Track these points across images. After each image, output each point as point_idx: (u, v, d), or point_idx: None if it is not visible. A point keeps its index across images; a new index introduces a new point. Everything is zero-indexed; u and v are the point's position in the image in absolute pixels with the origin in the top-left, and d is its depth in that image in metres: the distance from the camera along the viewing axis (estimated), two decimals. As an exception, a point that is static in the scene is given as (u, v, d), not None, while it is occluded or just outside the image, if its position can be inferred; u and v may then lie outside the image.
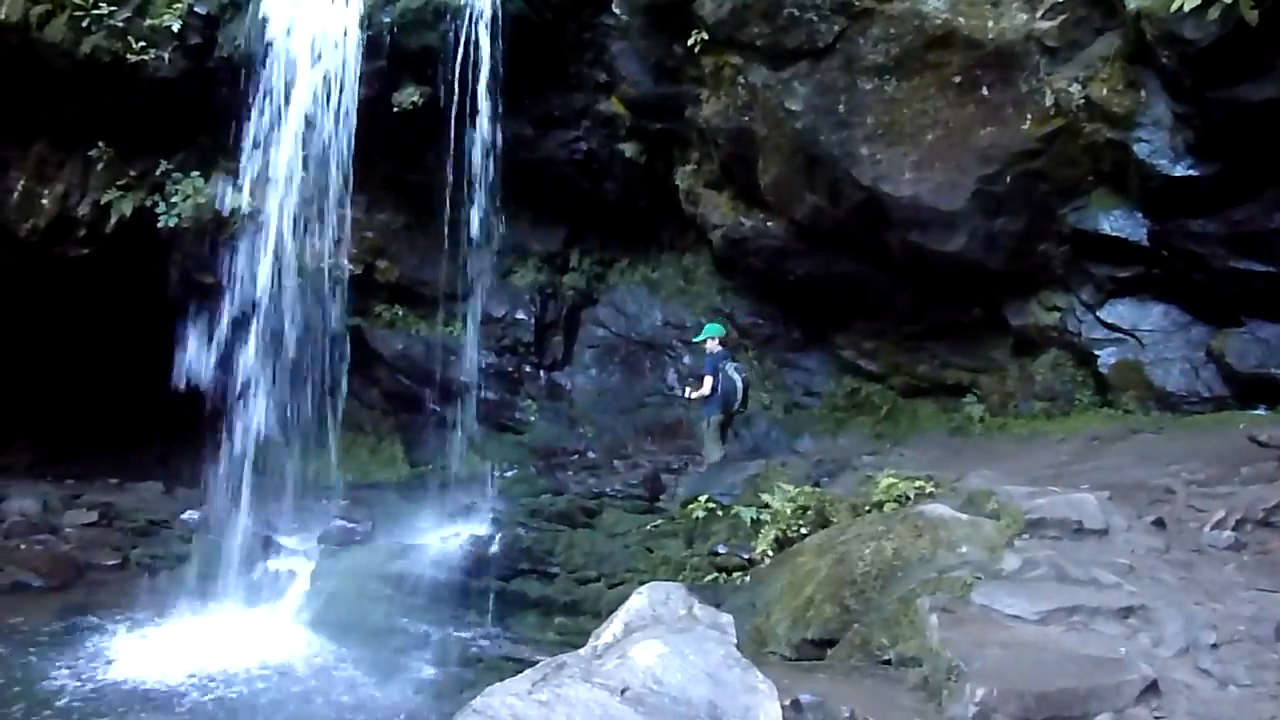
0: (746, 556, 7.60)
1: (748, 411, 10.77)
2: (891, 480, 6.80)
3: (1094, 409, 9.26)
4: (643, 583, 8.02)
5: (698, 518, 8.60)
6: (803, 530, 7.10)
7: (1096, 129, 8.24)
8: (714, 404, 10.29)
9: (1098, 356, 9.15)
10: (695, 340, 10.82)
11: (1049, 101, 8.38)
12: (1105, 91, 8.08)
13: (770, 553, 7.25)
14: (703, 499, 8.72)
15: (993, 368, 10.30)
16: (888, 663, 4.47)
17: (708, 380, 10.18)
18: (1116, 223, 8.62)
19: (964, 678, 3.46)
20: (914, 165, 8.93)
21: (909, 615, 4.62)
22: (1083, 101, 8.20)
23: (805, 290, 10.98)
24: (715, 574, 7.80)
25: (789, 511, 7.22)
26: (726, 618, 2.81)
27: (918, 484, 6.79)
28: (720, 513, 8.55)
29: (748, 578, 7.32)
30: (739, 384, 10.26)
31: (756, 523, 7.73)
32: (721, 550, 7.95)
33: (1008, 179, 8.71)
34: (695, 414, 10.88)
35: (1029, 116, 8.50)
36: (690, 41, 9.72)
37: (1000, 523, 5.63)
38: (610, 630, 2.62)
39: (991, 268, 9.34)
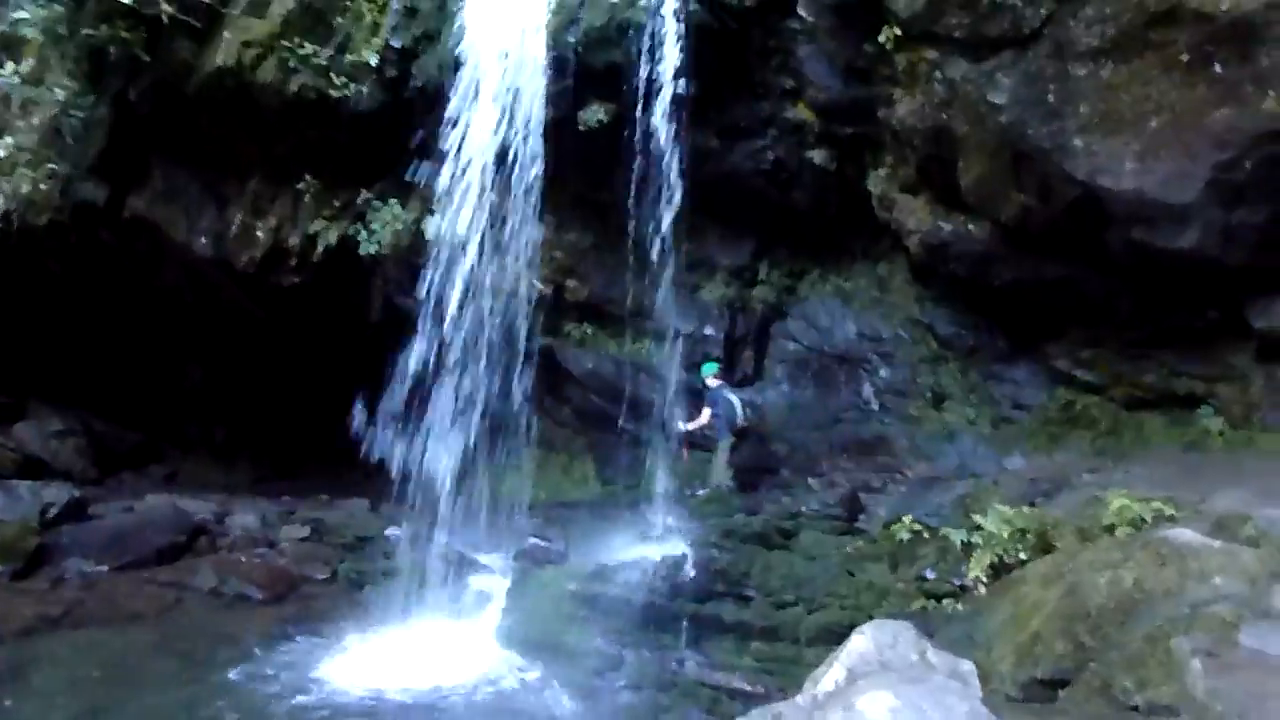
0: (959, 583, 7.10)
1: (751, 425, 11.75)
2: (1124, 502, 6.18)
3: (1361, 421, 8.18)
4: (844, 608, 7.69)
5: (902, 540, 8.13)
6: (1021, 556, 6.56)
7: (1357, 103, 7.27)
8: (722, 430, 11.49)
9: (1364, 361, 8.08)
10: (698, 381, 11.91)
11: (1297, 75, 7.45)
12: (1368, 60, 7.12)
13: (984, 580, 6.75)
14: (907, 520, 8.25)
15: (1233, 376, 9.28)
16: (1134, 709, 3.99)
17: (706, 411, 11.52)
18: (1384, 208, 7.58)
19: (1243, 737, 2.96)
20: (1136, 155, 8.14)
21: (1157, 656, 4.09)
22: (1340, 73, 7.25)
23: (1012, 297, 10.26)
24: (924, 601, 7.32)
25: (1005, 535, 6.69)
26: (968, 665, 2.45)
27: (1155, 506, 6.14)
28: (927, 535, 8.06)
29: (961, 606, 6.82)
30: (737, 405, 11.44)
31: (968, 546, 7.23)
32: (930, 575, 7.46)
33: (1248, 165, 7.78)
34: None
35: (1272, 94, 7.57)
36: (882, 39, 9.27)
37: (1261, 551, 4.97)
38: (831, 676, 2.32)
39: (1230, 265, 8.40)
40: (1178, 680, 3.79)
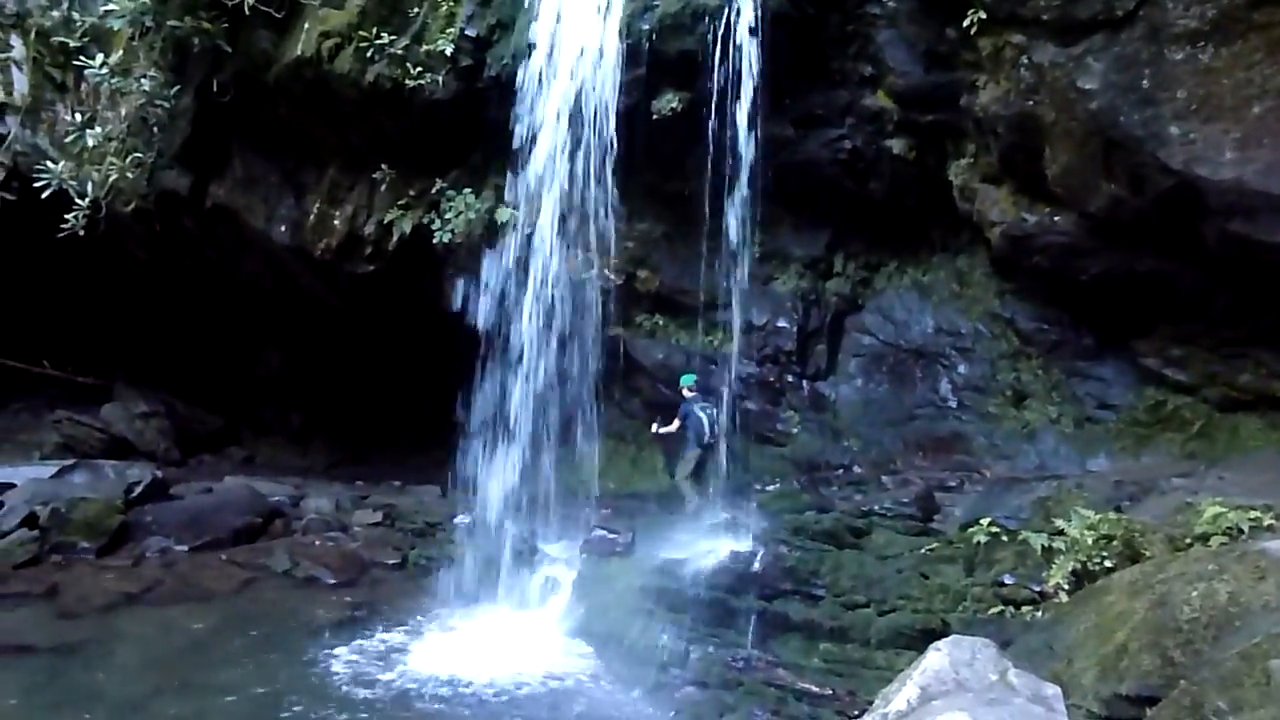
0: (1038, 589, 6.83)
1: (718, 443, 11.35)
2: (1219, 509, 5.87)
3: None
4: (916, 611, 7.46)
5: (979, 542, 7.85)
6: (1106, 563, 6.28)
7: None
8: (690, 443, 11.17)
9: None
10: (678, 388, 11.62)
11: None
12: None
13: (1066, 587, 6.48)
14: (984, 522, 7.96)
15: (1337, 378, 8.80)
16: (1229, 732, 3.74)
17: (676, 421, 11.26)
18: None
19: (1354, 771, 2.73)
20: (1236, 143, 7.71)
21: (1254, 676, 3.84)
22: None
23: (1099, 291, 9.86)
24: (1001, 607, 7.06)
25: (1089, 541, 6.41)
26: (1052, 689, 2.28)
27: (1253, 515, 5.81)
28: (1005, 538, 7.76)
29: (1040, 614, 6.56)
30: (705, 421, 11.11)
31: (1049, 551, 6.95)
32: (1009, 581, 7.19)
33: (1358, 154, 7.37)
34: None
35: (1386, 78, 7.14)
36: (966, 23, 8.97)
37: (1371, 566, 4.65)
38: (903, 695, 2.17)
39: (1337, 260, 7.95)
40: (1276, 703, 3.55)
